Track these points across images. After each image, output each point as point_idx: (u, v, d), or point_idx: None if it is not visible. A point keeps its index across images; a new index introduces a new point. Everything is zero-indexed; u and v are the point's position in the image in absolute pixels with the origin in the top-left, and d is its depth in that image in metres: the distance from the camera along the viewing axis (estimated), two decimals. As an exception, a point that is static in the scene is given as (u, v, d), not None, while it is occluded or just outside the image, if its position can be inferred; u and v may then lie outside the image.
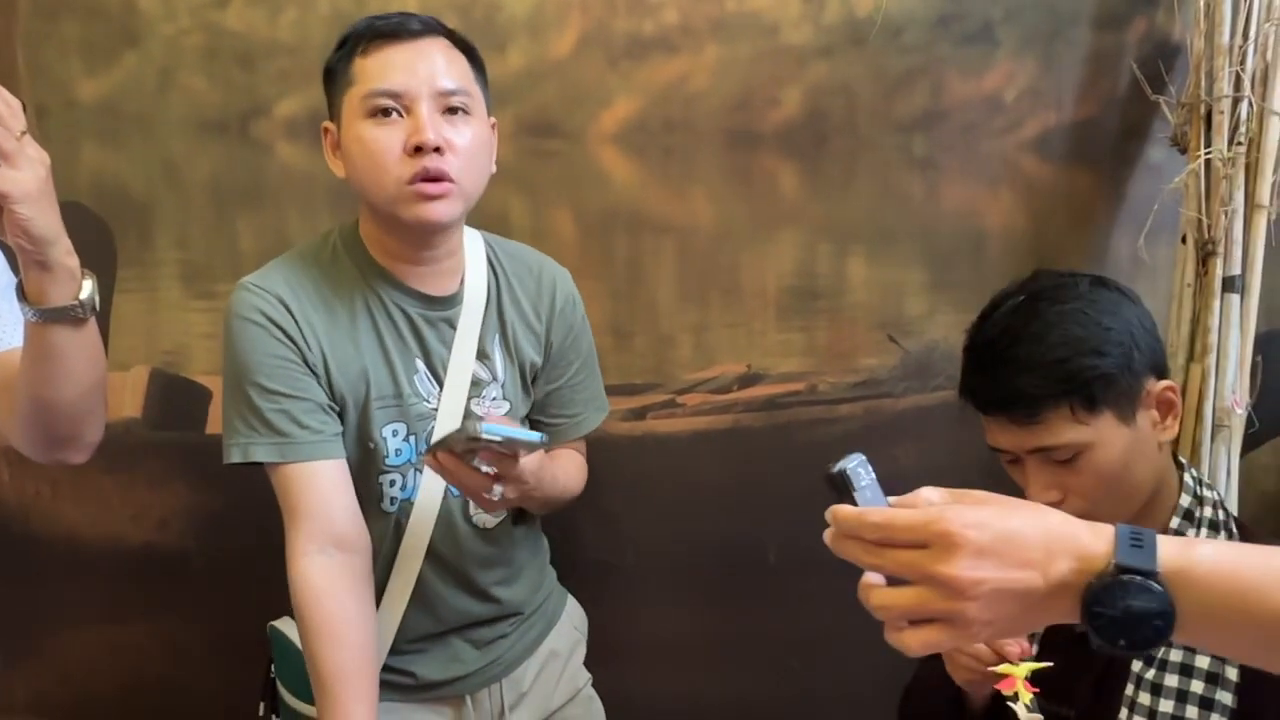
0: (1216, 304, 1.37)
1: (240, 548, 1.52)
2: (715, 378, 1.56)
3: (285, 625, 1.16)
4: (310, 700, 1.05)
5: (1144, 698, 0.88)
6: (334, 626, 1.01)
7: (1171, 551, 0.57)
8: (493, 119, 1.08)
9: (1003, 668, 0.81)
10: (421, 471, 1.09)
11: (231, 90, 1.44)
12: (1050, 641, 0.96)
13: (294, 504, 1.02)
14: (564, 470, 1.16)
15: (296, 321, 1.02)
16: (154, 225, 1.48)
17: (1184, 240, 1.42)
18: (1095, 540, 0.58)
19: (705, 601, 1.60)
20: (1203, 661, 0.86)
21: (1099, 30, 1.49)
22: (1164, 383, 0.91)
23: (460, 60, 1.04)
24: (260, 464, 1.03)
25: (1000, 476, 1.26)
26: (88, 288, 0.85)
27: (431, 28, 1.03)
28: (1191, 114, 1.40)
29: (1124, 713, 0.88)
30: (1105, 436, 0.88)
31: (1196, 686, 0.86)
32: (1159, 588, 0.56)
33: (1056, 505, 0.89)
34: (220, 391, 1.50)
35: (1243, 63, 1.35)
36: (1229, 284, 1.38)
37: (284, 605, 1.08)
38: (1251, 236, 1.37)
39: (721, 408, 1.57)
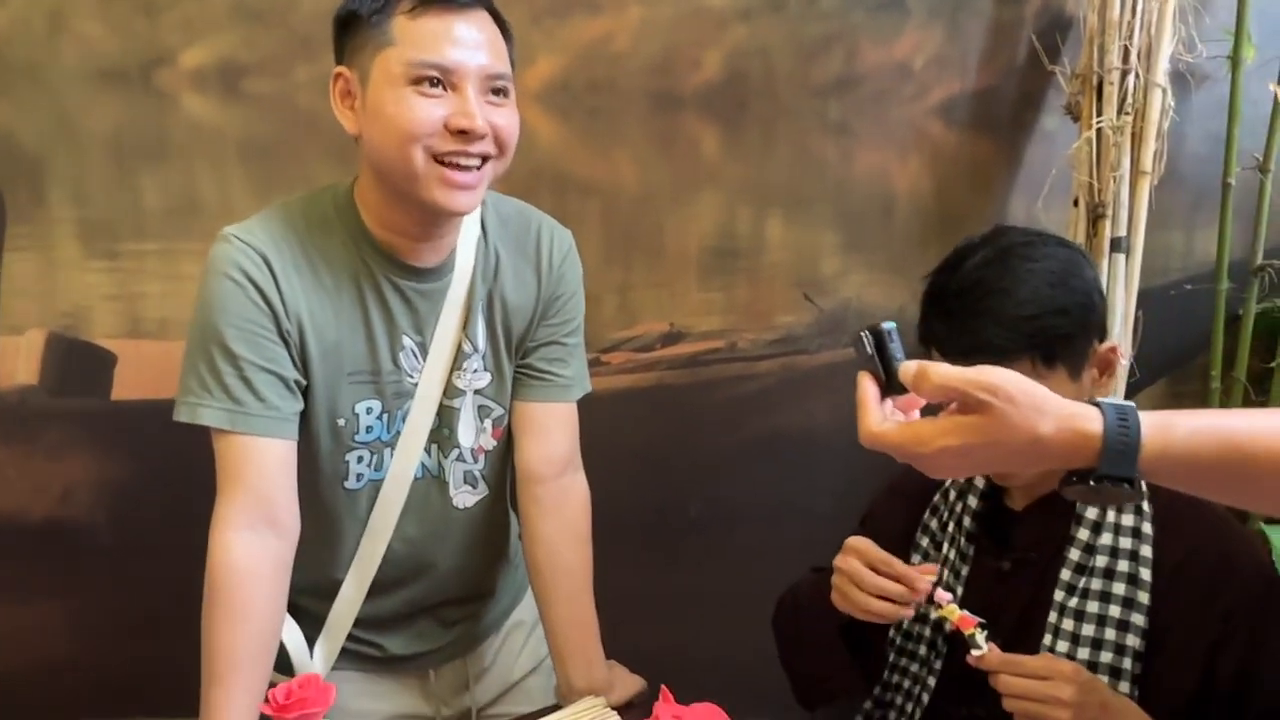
0: (1105, 263, 1.48)
1: (153, 519, 1.46)
2: (639, 336, 1.59)
3: None
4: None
5: (1067, 623, 0.95)
6: (244, 608, 0.96)
7: (1152, 446, 0.64)
8: None
9: (938, 613, 0.91)
10: (393, 450, 1.05)
11: (131, 38, 1.36)
12: (976, 579, 1.03)
13: (233, 475, 0.97)
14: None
15: (277, 282, 0.96)
16: (47, 180, 1.39)
17: (1075, 204, 1.53)
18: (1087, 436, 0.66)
19: (630, 556, 1.63)
20: (1119, 589, 0.95)
21: (1001, 2, 1.57)
22: (1108, 344, 0.98)
23: (499, 38, 0.98)
24: (205, 427, 0.97)
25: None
26: None
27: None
28: (1085, 85, 1.49)
29: (1048, 638, 0.96)
30: (1055, 390, 0.93)
31: (1114, 611, 0.94)
32: (1132, 490, 0.64)
33: None
34: (126, 355, 1.46)
35: (1130, 37, 1.45)
36: (1116, 244, 1.49)
37: (203, 581, 0.99)
38: (1136, 201, 1.48)
39: (645, 366, 1.60)
